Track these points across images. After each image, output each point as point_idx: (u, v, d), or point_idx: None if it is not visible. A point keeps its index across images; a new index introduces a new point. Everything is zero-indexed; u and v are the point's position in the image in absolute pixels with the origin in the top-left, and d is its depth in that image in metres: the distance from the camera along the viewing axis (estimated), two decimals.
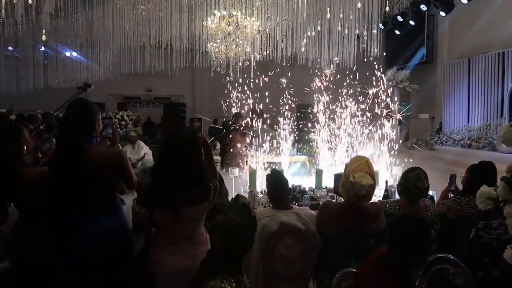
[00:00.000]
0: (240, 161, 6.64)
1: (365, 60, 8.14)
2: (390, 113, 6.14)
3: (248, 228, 1.98)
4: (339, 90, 6.28)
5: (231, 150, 6.96)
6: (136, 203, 2.57)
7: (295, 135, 7.50)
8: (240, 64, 8.79)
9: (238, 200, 2.03)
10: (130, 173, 2.49)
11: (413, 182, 2.96)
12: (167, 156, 2.36)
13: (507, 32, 10.12)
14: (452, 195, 3.35)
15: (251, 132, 6.69)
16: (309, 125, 7.24)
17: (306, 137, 7.68)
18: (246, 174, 5.01)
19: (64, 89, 9.25)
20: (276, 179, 3.05)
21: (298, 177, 5.49)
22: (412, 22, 10.60)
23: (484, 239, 2.59)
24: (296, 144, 8.14)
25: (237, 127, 7.09)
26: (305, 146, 7.83)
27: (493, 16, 10.46)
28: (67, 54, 10.19)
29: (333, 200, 4.02)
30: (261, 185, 4.79)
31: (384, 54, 14.16)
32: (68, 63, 9.96)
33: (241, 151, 6.78)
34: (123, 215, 2.53)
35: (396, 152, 5.72)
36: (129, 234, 2.53)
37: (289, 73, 8.78)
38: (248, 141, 6.80)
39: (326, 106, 6.20)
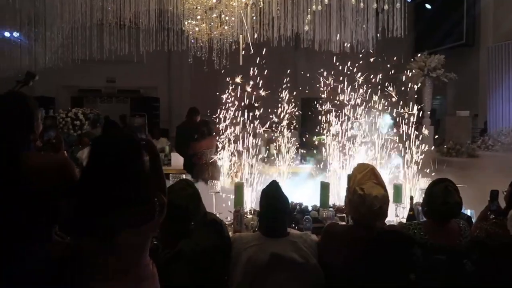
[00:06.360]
0: (212, 172, 6.54)
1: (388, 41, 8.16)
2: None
3: (220, 252, 1.95)
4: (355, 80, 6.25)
5: (199, 161, 6.84)
6: (58, 229, 2.52)
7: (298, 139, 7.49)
8: (227, 47, 8.78)
9: (205, 218, 2.01)
10: None
11: (440, 197, 2.95)
12: (94, 167, 2.32)
13: None
14: (492, 216, 3.34)
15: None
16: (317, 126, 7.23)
17: (317, 141, 7.67)
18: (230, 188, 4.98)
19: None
20: (272, 196, 3.04)
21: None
22: None
23: None
24: (300, 150, 8.12)
25: (203, 131, 6.98)
26: (312, 153, 7.82)
27: None
28: (6, 34, 10.14)
29: (342, 222, 4.01)
30: (251, 203, 4.78)
31: (412, 34, 14.28)
32: (5, 46, 9.89)
33: (211, 159, 6.67)
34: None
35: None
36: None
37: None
38: (215, 144, 6.67)
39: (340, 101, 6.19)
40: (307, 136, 8.60)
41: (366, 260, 2.79)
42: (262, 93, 6.23)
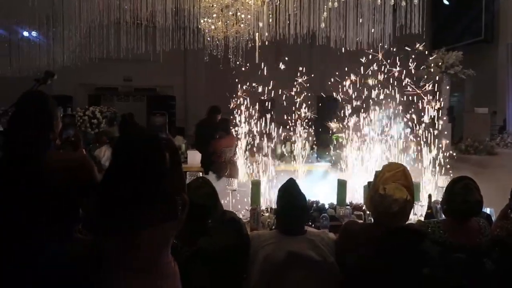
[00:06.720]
0: (230, 170, 6.60)
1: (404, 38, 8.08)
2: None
3: (239, 251, 1.94)
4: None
5: (218, 159, 6.91)
6: (82, 227, 2.54)
7: (313, 137, 7.47)
8: (243, 45, 8.78)
9: (223, 216, 2.00)
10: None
11: (461, 195, 2.91)
12: (117, 166, 2.33)
13: None
14: None
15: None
16: (332, 123, 7.21)
17: (335, 139, 7.63)
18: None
19: (19, 79, 9.28)
20: (290, 194, 3.03)
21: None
22: None
23: None
24: (315, 147, 8.10)
25: (223, 128, 7.06)
26: (328, 150, 7.78)
27: None
28: (25, 34, 10.21)
29: (359, 221, 3.99)
30: (267, 201, 4.78)
31: (430, 31, 14.12)
32: (24, 45, 9.99)
33: (231, 157, 6.75)
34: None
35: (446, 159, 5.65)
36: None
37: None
38: (234, 142, 6.75)
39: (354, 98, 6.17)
40: (327, 126, 8.57)
41: (382, 259, 2.76)
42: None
